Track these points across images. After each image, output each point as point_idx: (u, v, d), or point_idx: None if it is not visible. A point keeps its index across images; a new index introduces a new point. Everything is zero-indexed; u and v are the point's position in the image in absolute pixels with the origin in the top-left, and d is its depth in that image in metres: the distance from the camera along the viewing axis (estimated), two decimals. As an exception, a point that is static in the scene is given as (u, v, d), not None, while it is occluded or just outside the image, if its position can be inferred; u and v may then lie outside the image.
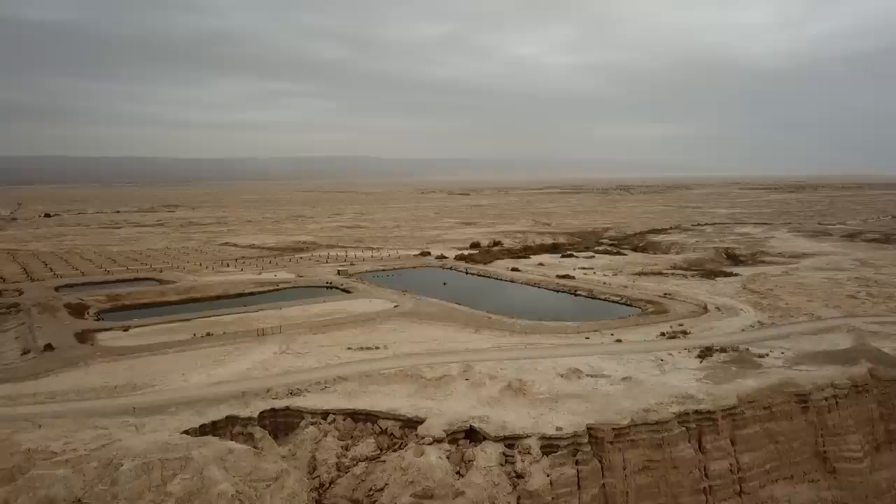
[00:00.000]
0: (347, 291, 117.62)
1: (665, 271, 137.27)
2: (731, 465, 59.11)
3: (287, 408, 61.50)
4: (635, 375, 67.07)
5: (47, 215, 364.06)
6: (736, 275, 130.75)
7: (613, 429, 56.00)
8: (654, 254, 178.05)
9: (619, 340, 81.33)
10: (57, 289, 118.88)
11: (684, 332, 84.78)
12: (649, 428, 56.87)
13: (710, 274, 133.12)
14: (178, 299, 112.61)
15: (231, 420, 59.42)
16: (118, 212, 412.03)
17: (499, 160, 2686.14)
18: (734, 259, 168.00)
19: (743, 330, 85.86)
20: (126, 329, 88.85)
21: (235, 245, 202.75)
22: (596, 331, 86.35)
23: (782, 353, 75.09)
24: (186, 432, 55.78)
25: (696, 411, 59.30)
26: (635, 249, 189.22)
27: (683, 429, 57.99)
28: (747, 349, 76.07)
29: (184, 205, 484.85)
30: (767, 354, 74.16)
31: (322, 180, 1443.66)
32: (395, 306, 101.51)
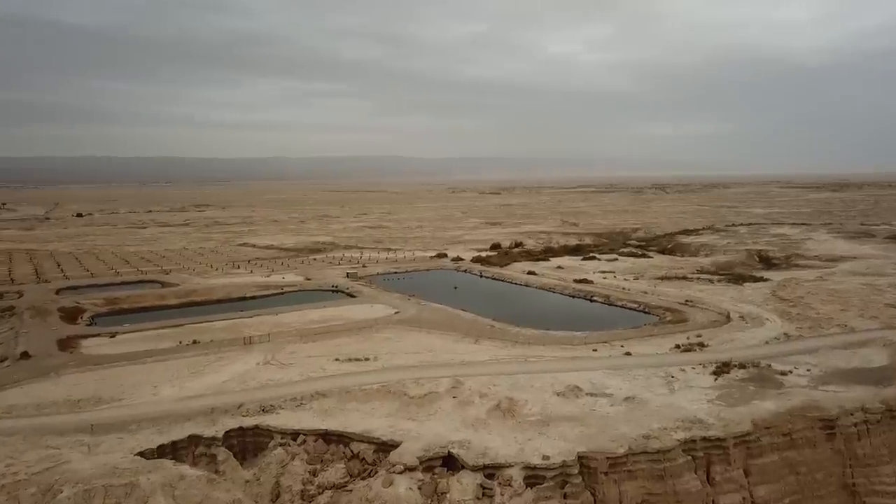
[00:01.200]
0: (352, 296, 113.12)
1: (689, 276, 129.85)
2: (743, 498, 52.75)
3: (256, 426, 56.98)
4: (640, 395, 60.97)
5: (79, 215, 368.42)
6: (766, 280, 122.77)
7: (608, 458, 50.17)
8: (682, 256, 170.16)
9: (628, 353, 75.10)
10: (58, 291, 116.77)
11: (701, 345, 78.11)
12: (649, 457, 50.88)
13: (739, 279, 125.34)
14: (177, 303, 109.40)
15: (194, 440, 55.08)
16: (149, 211, 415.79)
17: (533, 159, 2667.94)
18: (767, 262, 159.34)
19: (766, 342, 78.78)
20: (113, 335, 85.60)
21: (254, 245, 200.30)
22: (605, 342, 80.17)
23: (808, 370, 68.07)
24: (142, 454, 51.63)
25: (705, 438, 53.10)
26: (662, 251, 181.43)
27: (689, 458, 51.84)
28: (769, 365, 69.23)
29: (214, 204, 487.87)
30: (791, 372, 67.25)
31: (353, 180, 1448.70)
32: (396, 312, 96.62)
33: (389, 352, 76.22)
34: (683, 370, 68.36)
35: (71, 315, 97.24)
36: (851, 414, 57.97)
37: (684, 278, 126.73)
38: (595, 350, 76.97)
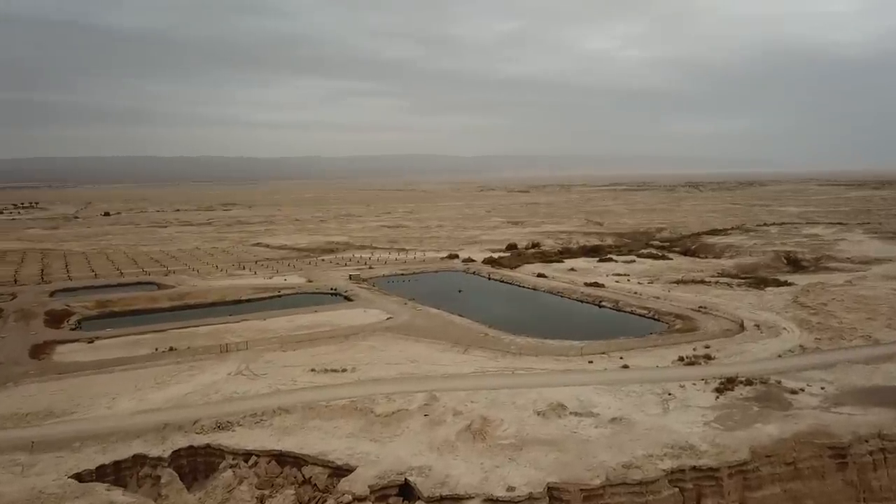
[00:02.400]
0: (349, 299, 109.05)
1: (708, 279, 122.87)
2: (738, 537, 47.05)
3: (208, 445, 52.99)
4: (629, 415, 55.43)
5: (106, 214, 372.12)
6: (789, 284, 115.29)
7: (581, 490, 44.93)
8: (705, 258, 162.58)
9: (625, 366, 69.39)
10: (52, 293, 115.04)
11: (707, 357, 71.96)
12: (629, 489, 45.50)
13: (761, 283, 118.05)
14: (169, 306, 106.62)
15: (139, 460, 51.26)
16: (177, 210, 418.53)
17: (570, 156, 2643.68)
18: (795, 264, 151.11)
19: (780, 355, 72.28)
20: (91, 341, 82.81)
21: (267, 246, 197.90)
22: (603, 353, 74.50)
23: (822, 387, 61.66)
24: (78, 475, 48.04)
25: (695, 467, 47.49)
26: (685, 252, 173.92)
27: (675, 490, 46.38)
28: (778, 382, 62.96)
29: (241, 203, 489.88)
30: (802, 390, 60.93)
31: (387, 178, 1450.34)
32: (389, 318, 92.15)
33: (370, 362, 71.73)
34: (683, 386, 62.49)
35: (57, 318, 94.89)
36: (866, 441, 51.66)
37: (702, 282, 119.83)
38: (591, 362, 71.42)
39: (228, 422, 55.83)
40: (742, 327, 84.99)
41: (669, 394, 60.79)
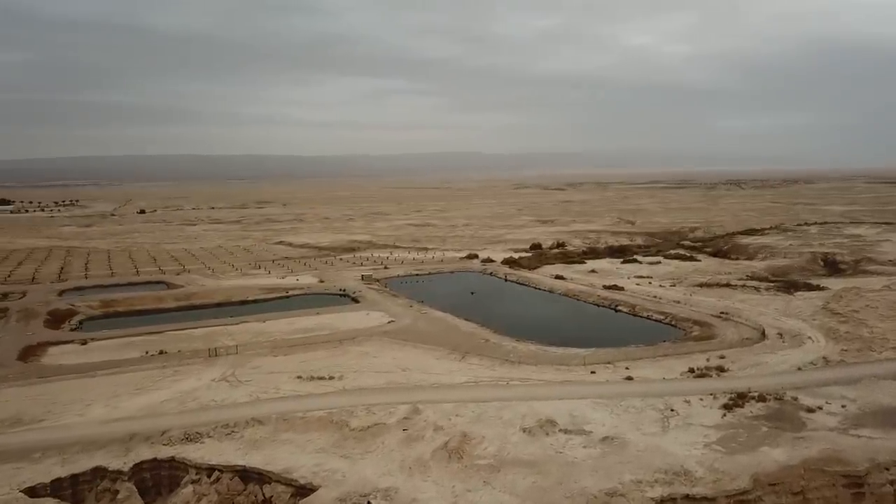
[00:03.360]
0: (356, 301, 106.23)
1: (735, 282, 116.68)
2: (736, 575, 42.47)
3: (172, 458, 50.35)
4: (624, 434, 51.05)
5: (142, 212, 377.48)
6: (822, 289, 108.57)
7: (557, 520, 40.88)
8: (736, 259, 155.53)
9: (629, 378, 64.84)
10: (61, 293, 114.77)
11: (720, 369, 66.89)
12: (611, 520, 41.25)
13: (791, 287, 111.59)
14: (174, 306, 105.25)
15: (99, 472, 48.86)
16: (212, 208, 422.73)
17: (612, 154, 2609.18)
18: (832, 267, 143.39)
19: (800, 368, 66.80)
20: (84, 343, 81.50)
21: (290, 244, 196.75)
22: (608, 363, 70.02)
23: (843, 406, 56.28)
24: (32, 489, 45.84)
25: (688, 496, 43.05)
26: (716, 253, 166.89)
27: (664, 522, 41.91)
28: (794, 398, 57.75)
29: (276, 201, 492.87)
30: (820, 408, 55.66)
31: (426, 176, 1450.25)
32: (390, 322, 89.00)
33: (359, 370, 68.54)
34: (688, 401, 57.72)
35: (59, 318, 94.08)
36: (886, 469, 46.47)
37: (727, 285, 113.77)
38: (593, 372, 67.03)
39: (198, 433, 53.15)
40: (763, 336, 79.47)
41: (672, 410, 56.16)
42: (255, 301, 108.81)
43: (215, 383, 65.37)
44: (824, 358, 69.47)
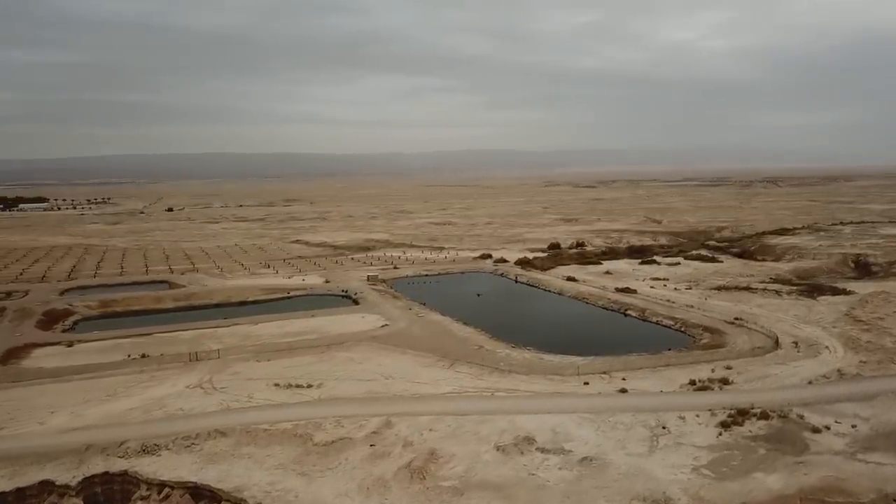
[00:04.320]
0: (356, 303, 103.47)
1: (755, 285, 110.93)
2: None
3: (125, 472, 47.80)
4: (606, 454, 47.03)
5: (169, 209, 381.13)
6: (848, 293, 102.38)
7: (517, 553, 37.16)
8: (762, 260, 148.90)
9: (623, 390, 60.58)
10: (63, 292, 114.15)
11: (724, 382, 62.22)
12: (578, 554, 37.40)
13: (816, 290, 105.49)
14: (172, 307, 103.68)
15: (46, 487, 46.54)
16: (240, 206, 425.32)
17: (648, 151, 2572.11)
18: (864, 269, 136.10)
19: (810, 382, 61.74)
20: (71, 344, 79.98)
21: (307, 243, 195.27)
22: (604, 373, 65.80)
23: (853, 426, 51.34)
24: (-27, 504, 43.63)
25: (665, 529, 38.92)
26: (741, 254, 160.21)
27: (638, 557, 37.92)
28: (801, 416, 52.96)
29: (304, 199, 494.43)
30: (828, 427, 50.83)
31: (461, 174, 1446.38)
32: (384, 326, 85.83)
33: (340, 377, 65.50)
34: (682, 418, 53.33)
35: (53, 319, 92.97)
36: (894, 500, 41.66)
37: (747, 289, 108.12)
38: (586, 383, 62.89)
39: (156, 444, 50.56)
40: (776, 344, 74.34)
41: (663, 427, 51.85)
42: (254, 302, 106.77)
43: (189, 390, 62.93)
44: (839, 371, 64.24)
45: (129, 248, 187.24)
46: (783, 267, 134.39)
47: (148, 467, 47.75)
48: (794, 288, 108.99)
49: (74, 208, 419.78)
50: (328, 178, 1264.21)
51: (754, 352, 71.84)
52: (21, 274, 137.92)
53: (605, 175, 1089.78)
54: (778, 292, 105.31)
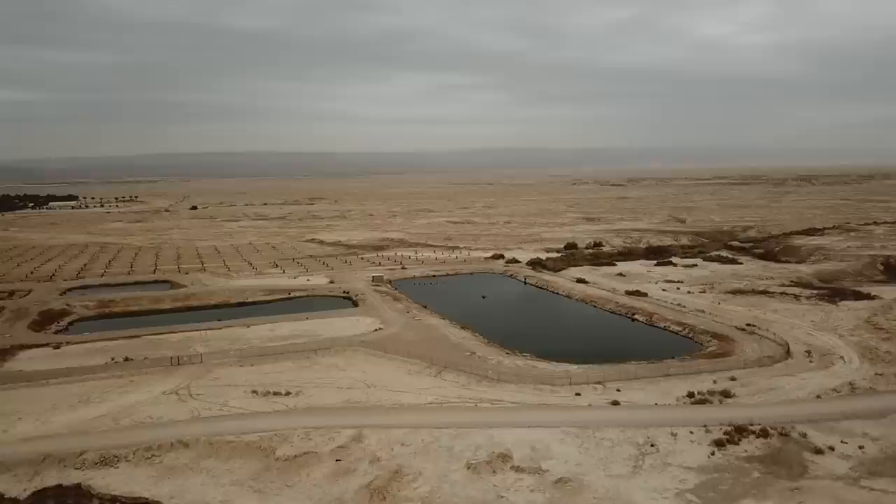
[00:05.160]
0: (355, 304, 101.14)
1: (773, 289, 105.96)
2: None
3: (79, 485, 45.67)
4: (585, 475, 43.68)
5: (193, 207, 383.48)
6: (872, 297, 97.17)
7: (471, 587, 34.05)
8: (785, 262, 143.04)
9: (615, 402, 56.98)
10: (65, 291, 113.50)
11: (725, 394, 58.28)
12: (539, 590, 34.17)
13: (837, 295, 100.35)
14: (170, 307, 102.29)
15: (-5, 499, 44.61)
16: (265, 204, 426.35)
17: (682, 148, 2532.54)
18: (894, 272, 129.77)
19: (819, 396, 57.47)
20: (58, 347, 78.59)
21: (321, 242, 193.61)
22: (599, 382, 62.25)
23: (861, 446, 47.21)
24: (-84, 518, 41.84)
25: (639, 562, 35.45)
26: (764, 255, 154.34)
27: None
28: (804, 435, 48.99)
29: (330, 197, 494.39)
30: (832, 448, 46.82)
31: (490, 171, 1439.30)
32: (377, 329, 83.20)
33: (321, 385, 62.93)
34: (674, 435, 49.66)
35: (48, 319, 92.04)
36: (898, 535, 37.67)
37: (764, 292, 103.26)
38: (578, 394, 59.43)
39: (116, 456, 48.44)
40: (787, 353, 69.99)
41: (652, 445, 48.26)
42: (253, 303, 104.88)
43: (164, 396, 60.86)
44: (851, 384, 59.82)
45: (144, 246, 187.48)
46: (806, 269, 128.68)
47: (103, 480, 45.61)
48: (815, 292, 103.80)
49: (102, 206, 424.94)
50: (357, 177, 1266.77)
51: (762, 361, 67.58)
52: (32, 273, 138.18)
53: (635, 173, 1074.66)
54: (797, 296, 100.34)
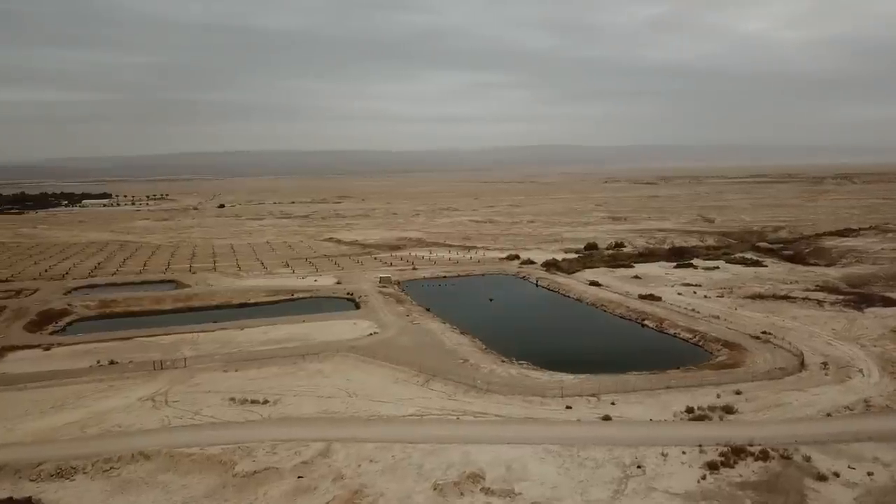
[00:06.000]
0: (357, 307, 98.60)
1: (796, 293, 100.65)
2: None
3: (29, 499, 43.75)
4: (560, 499, 40.38)
5: (221, 206, 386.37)
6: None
7: None
8: (814, 264, 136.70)
9: (606, 417, 53.30)
10: (69, 291, 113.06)
11: (727, 410, 54.18)
12: None
13: (864, 301, 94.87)
14: (171, 308, 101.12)
15: (-58, 512, 42.91)
16: (293, 202, 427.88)
17: (721, 146, 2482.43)
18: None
19: (829, 414, 53.03)
20: (48, 348, 77.51)
21: (339, 241, 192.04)
22: (594, 394, 58.58)
23: (869, 473, 42.95)
24: None
25: None
26: (792, 257, 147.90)
27: None
28: (807, 458, 44.87)
29: (356, 196, 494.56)
30: (837, 475, 42.68)
31: (522, 169, 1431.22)
32: (372, 334, 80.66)
33: (302, 393, 60.41)
34: (665, 455, 45.91)
35: (47, 319, 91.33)
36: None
37: (785, 298, 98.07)
38: (568, 407, 55.90)
39: (74, 467, 46.48)
40: (801, 365, 65.40)
41: (639, 466, 44.61)
42: (254, 304, 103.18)
43: (140, 403, 58.93)
44: (866, 401, 55.20)
45: (163, 245, 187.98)
46: (834, 273, 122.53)
47: (55, 494, 43.65)
48: (840, 297, 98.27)
49: (133, 204, 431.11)
50: (388, 175, 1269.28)
51: (772, 374, 63.16)
52: (46, 271, 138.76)
53: (668, 171, 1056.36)
54: (820, 302, 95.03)
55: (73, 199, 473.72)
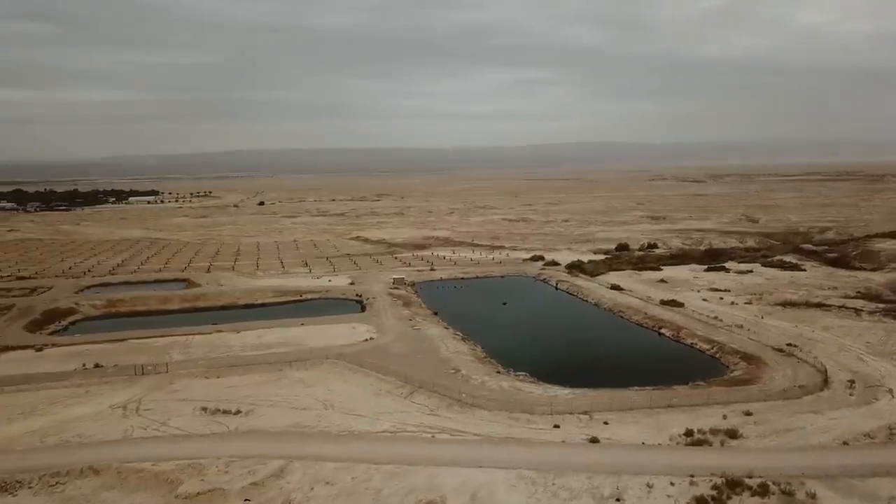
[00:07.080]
0: (363, 309, 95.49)
1: (832, 301, 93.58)
2: None
3: (-33, 515, 41.71)
4: (520, 537, 36.05)
5: (261, 203, 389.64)
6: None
7: None
8: (858, 269, 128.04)
9: (594, 440, 48.67)
10: (82, 289, 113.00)
11: (731, 434, 48.94)
12: None
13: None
14: (176, 308, 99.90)
15: None
16: (333, 200, 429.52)
17: (776, 144, 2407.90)
18: None
19: (846, 443, 47.31)
20: (40, 349, 76.51)
21: (366, 240, 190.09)
22: (585, 412, 53.97)
23: (882, 515, 37.47)
24: None
25: None
26: (836, 261, 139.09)
27: None
28: (812, 494, 39.64)
29: (396, 194, 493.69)
30: (844, 517, 37.29)
31: (568, 166, 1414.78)
32: (368, 339, 77.46)
33: (277, 403, 57.41)
34: (650, 486, 41.23)
35: (50, 319, 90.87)
36: None
37: (819, 305, 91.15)
38: (556, 426, 51.44)
39: (19, 481, 44.27)
40: (825, 383, 59.49)
41: (618, 500, 40.05)
42: (261, 305, 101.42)
43: (110, 410, 56.76)
44: (890, 428, 49.22)
45: (191, 242, 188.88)
46: (878, 278, 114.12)
47: (-7, 510, 41.47)
48: (881, 306, 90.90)
49: (176, 201, 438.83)
50: (432, 173, 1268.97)
51: (789, 392, 57.45)
52: (70, 268, 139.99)
53: (719, 168, 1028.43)
54: (857, 311, 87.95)
55: (121, 196, 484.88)
